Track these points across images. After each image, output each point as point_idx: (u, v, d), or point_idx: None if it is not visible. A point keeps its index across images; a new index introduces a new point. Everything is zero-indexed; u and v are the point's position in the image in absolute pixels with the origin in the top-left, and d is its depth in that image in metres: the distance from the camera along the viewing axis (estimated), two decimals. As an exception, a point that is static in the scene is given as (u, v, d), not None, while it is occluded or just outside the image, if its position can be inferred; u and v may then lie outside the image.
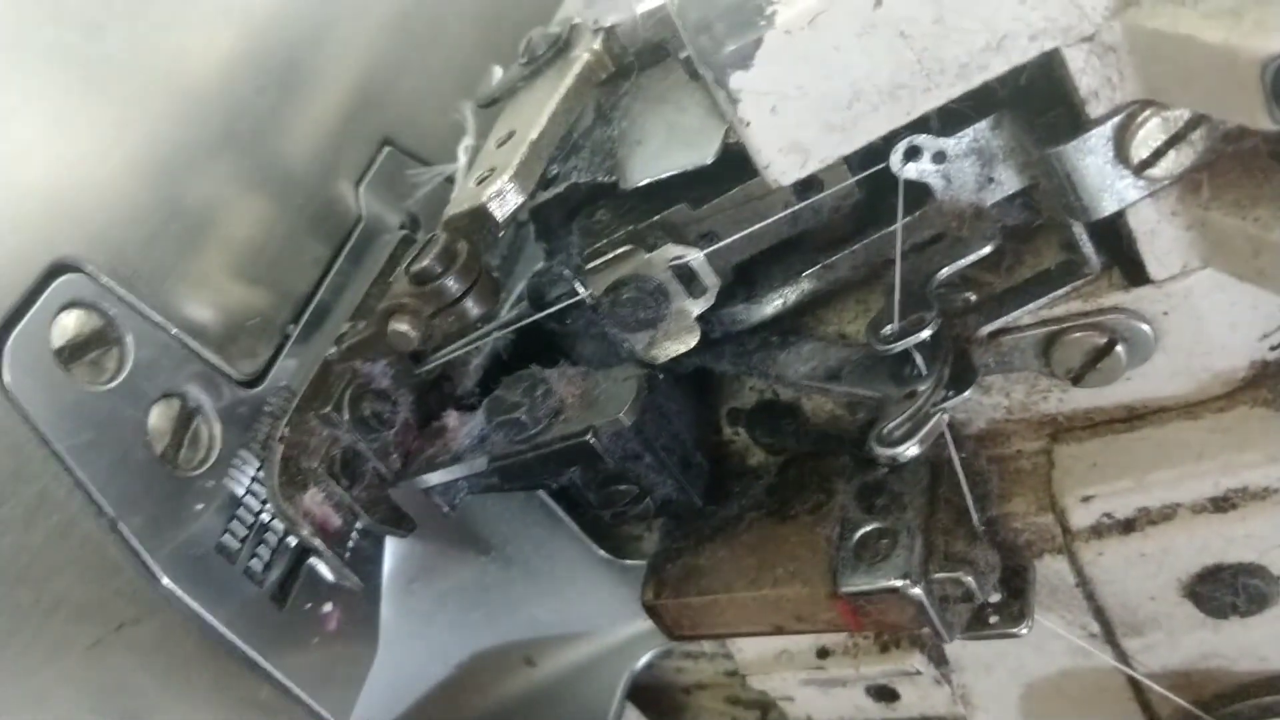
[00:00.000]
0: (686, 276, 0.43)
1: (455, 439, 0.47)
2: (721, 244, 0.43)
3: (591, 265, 0.44)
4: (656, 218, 0.44)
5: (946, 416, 0.40)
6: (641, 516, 0.49)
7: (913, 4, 0.34)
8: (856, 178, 0.41)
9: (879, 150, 0.40)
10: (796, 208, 0.42)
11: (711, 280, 0.43)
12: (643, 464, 0.45)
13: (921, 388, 0.41)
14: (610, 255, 0.44)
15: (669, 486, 0.47)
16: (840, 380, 0.45)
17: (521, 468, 0.44)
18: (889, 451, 0.39)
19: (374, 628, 0.47)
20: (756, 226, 0.42)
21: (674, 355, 0.45)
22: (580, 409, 0.44)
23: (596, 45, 0.46)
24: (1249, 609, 0.45)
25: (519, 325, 0.48)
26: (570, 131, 0.45)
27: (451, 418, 0.48)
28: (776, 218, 0.42)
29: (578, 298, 0.43)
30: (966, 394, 0.41)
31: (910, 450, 0.39)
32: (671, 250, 0.42)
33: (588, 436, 0.43)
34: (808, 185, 0.41)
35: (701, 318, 0.45)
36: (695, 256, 0.42)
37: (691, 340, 0.44)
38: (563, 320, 0.46)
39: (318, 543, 0.40)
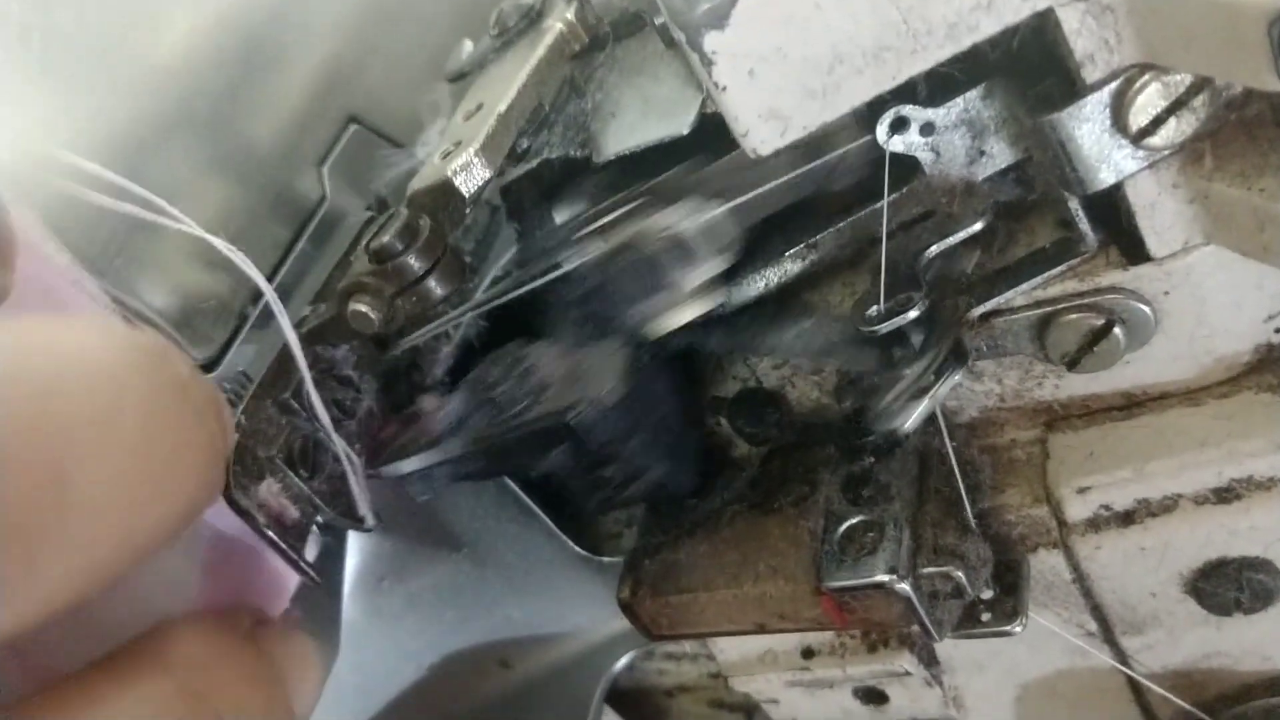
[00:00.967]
0: (682, 246, 0.41)
1: (432, 422, 0.44)
2: (719, 210, 0.40)
3: (580, 234, 0.42)
4: (649, 183, 0.42)
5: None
6: (628, 502, 0.47)
7: (898, -42, 0.32)
8: (855, 144, 0.39)
9: (864, 119, 0.38)
10: (804, 170, 0.40)
11: (707, 249, 0.41)
12: (630, 445, 0.43)
13: (910, 370, 0.39)
14: (600, 223, 0.42)
15: (659, 470, 0.45)
16: (830, 359, 0.43)
17: (503, 450, 0.42)
18: (888, 425, 0.37)
19: (335, 626, 0.45)
20: (753, 193, 0.40)
21: (672, 328, 0.43)
22: (564, 386, 0.42)
23: (569, 15, 0.44)
24: (1253, 605, 0.43)
25: (493, 305, 0.45)
26: (542, 104, 0.43)
27: (428, 400, 0.46)
28: (777, 182, 0.40)
29: (565, 268, 0.41)
30: (958, 376, 0.40)
31: (910, 423, 0.37)
32: (665, 218, 0.40)
33: (570, 415, 0.41)
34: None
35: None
36: (689, 224, 0.40)
37: (690, 312, 0.42)
38: (544, 299, 0.44)
39: (272, 536, 0.38)
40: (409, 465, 0.43)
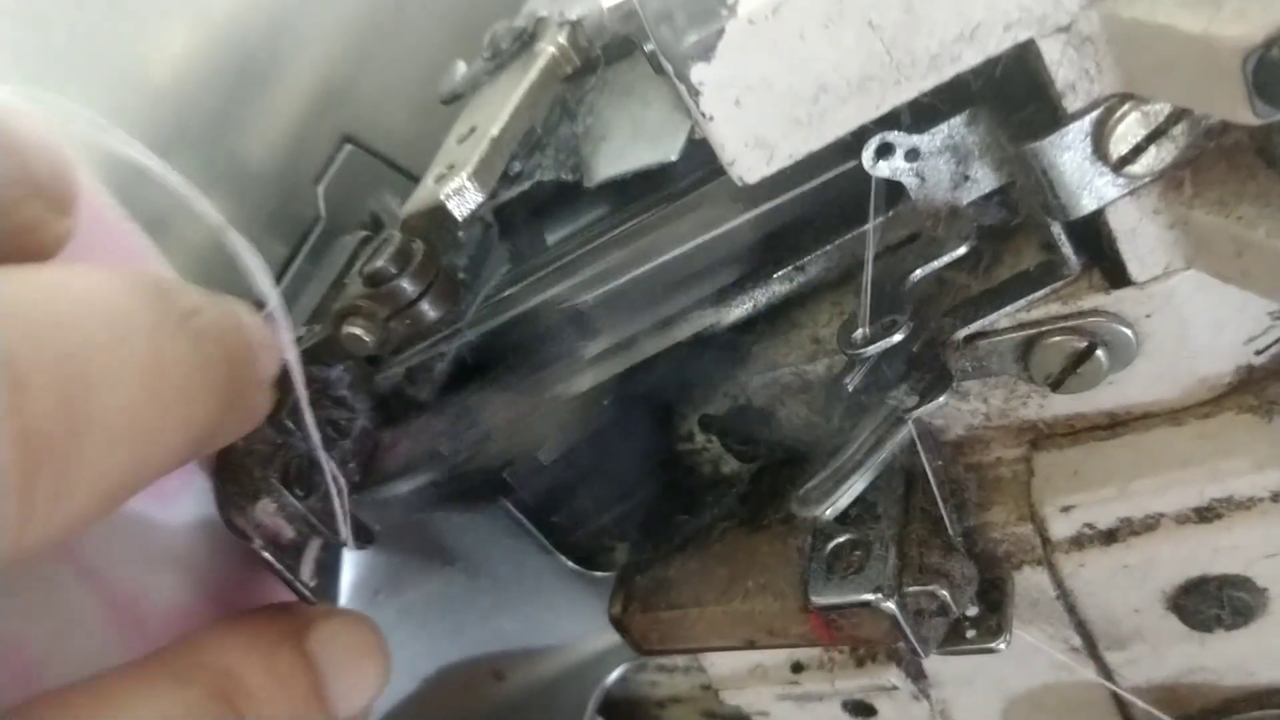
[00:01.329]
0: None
1: (388, 458, 0.45)
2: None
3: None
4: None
5: (911, 425, 0.39)
6: (593, 537, 0.48)
7: (881, -8, 0.33)
8: (827, 175, 0.40)
9: (850, 147, 0.39)
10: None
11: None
12: (576, 495, 0.44)
13: (894, 393, 0.40)
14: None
15: (608, 517, 0.46)
16: (813, 389, 0.44)
17: (444, 498, 0.43)
18: (805, 512, 0.38)
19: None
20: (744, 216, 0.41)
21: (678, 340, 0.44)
22: (504, 439, 0.43)
23: (561, 39, 0.45)
24: (1234, 622, 0.43)
25: (483, 329, 0.46)
26: (534, 128, 0.44)
27: (386, 435, 0.46)
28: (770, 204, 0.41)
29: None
30: (941, 400, 0.40)
31: (827, 512, 0.38)
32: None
33: (505, 471, 0.42)
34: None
35: (667, 321, 0.44)
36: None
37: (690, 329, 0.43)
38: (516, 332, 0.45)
39: (268, 556, 0.38)
40: (411, 481, 0.44)
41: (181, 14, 0.47)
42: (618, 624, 0.47)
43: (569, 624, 0.53)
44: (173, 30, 0.46)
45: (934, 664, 0.49)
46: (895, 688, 0.49)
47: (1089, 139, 0.36)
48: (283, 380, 0.41)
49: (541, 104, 0.44)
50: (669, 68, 0.34)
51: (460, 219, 0.40)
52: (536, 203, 0.46)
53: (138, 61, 0.45)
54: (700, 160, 0.41)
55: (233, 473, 0.39)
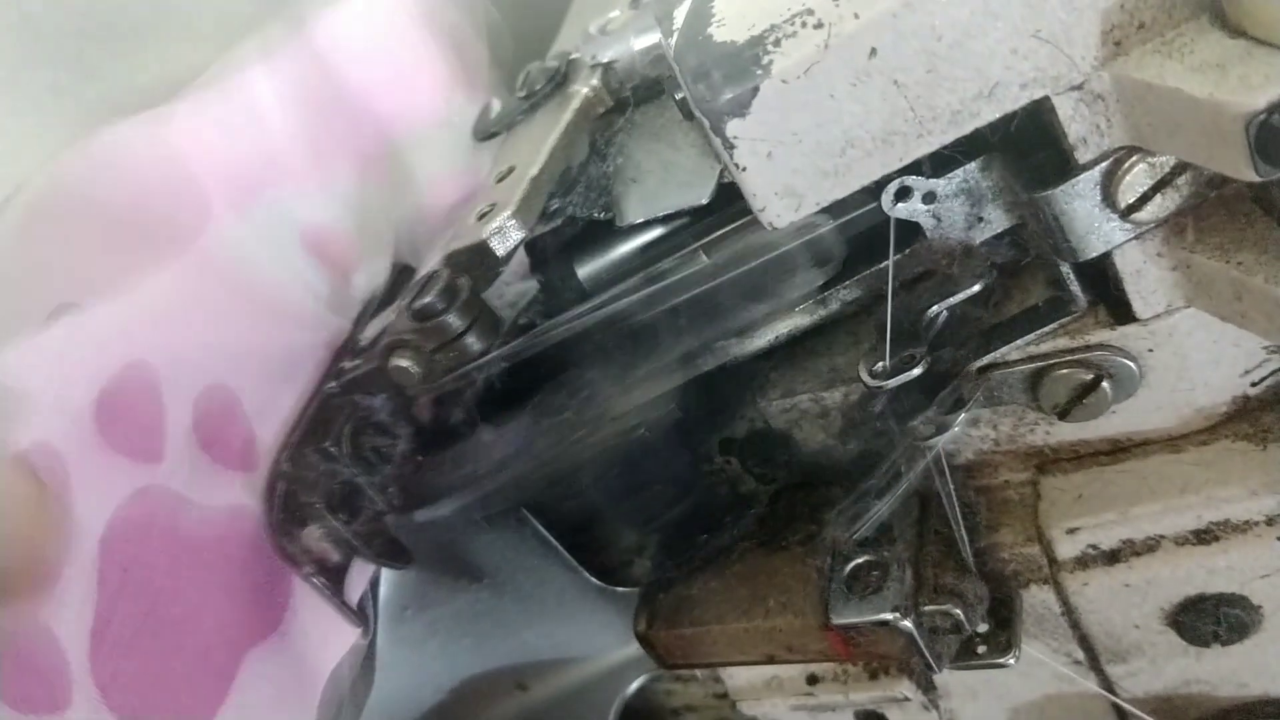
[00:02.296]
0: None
1: (495, 449, 0.47)
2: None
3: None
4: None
5: (932, 453, 0.41)
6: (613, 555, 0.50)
7: (906, 54, 0.35)
8: (847, 217, 0.42)
9: (871, 190, 0.41)
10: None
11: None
12: (601, 516, 0.46)
13: (913, 422, 0.42)
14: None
15: (629, 537, 0.48)
16: (829, 415, 0.46)
17: (479, 521, 0.45)
18: (839, 532, 0.40)
19: (372, 658, 0.48)
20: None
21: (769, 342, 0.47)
22: (543, 463, 0.45)
23: (595, 81, 0.47)
24: (1230, 638, 0.46)
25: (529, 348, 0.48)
26: (570, 167, 0.46)
27: (485, 432, 0.48)
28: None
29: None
30: (955, 429, 0.42)
31: (860, 533, 0.40)
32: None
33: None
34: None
35: (696, 350, 0.46)
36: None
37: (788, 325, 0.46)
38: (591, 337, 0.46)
39: (317, 581, 0.40)
40: (450, 503, 0.46)
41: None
42: (643, 640, 0.49)
43: (590, 637, 0.55)
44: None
45: (943, 676, 0.51)
46: (906, 699, 0.51)
47: (1099, 188, 0.38)
48: (327, 411, 0.43)
49: (576, 144, 0.46)
50: (705, 122, 0.36)
51: (501, 256, 0.42)
52: (566, 237, 0.48)
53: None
54: (727, 200, 0.44)
55: (284, 500, 0.41)
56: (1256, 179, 0.32)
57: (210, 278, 0.46)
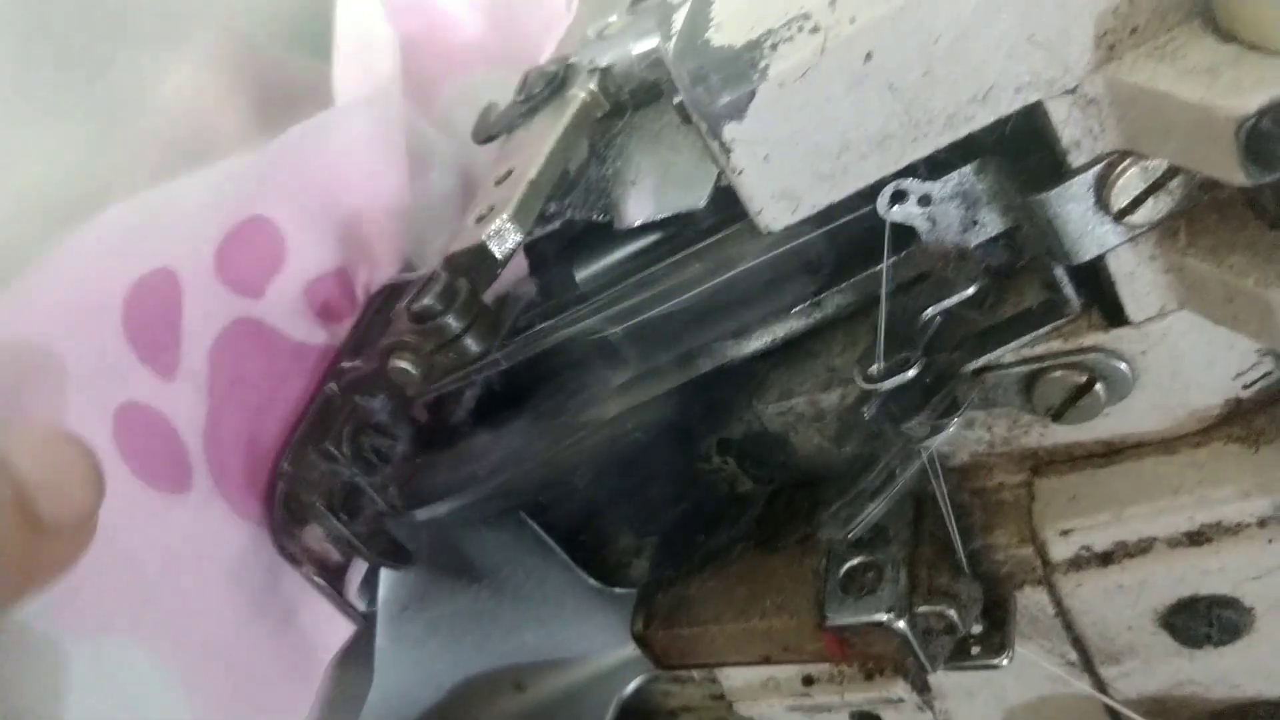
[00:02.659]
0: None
1: (493, 450, 0.48)
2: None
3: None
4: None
5: (925, 455, 0.41)
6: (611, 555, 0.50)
7: (902, 57, 0.35)
8: (842, 220, 0.42)
9: (866, 193, 0.41)
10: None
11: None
12: (599, 516, 0.47)
13: (908, 424, 0.43)
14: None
15: (627, 538, 0.48)
16: (826, 416, 0.46)
17: (479, 520, 0.46)
18: (833, 533, 0.41)
19: (370, 656, 0.48)
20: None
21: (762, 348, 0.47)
22: (541, 464, 0.46)
23: (593, 85, 0.47)
24: (1222, 639, 0.46)
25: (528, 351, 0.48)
26: (568, 170, 0.46)
27: (484, 433, 0.49)
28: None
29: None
30: (950, 430, 0.43)
31: (851, 535, 0.40)
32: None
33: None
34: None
35: (692, 352, 0.46)
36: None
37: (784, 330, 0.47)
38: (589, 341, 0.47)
39: (318, 580, 0.41)
40: (449, 503, 0.46)
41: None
42: (640, 640, 0.49)
43: (588, 638, 0.55)
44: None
45: (938, 677, 0.52)
46: (901, 700, 0.51)
47: (1092, 191, 0.38)
48: (327, 411, 0.43)
49: (574, 148, 0.46)
50: (702, 125, 0.37)
51: (500, 258, 0.42)
52: (565, 239, 0.48)
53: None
54: (725, 202, 0.44)
55: (284, 500, 0.41)
56: (1246, 183, 0.32)
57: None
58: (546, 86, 0.48)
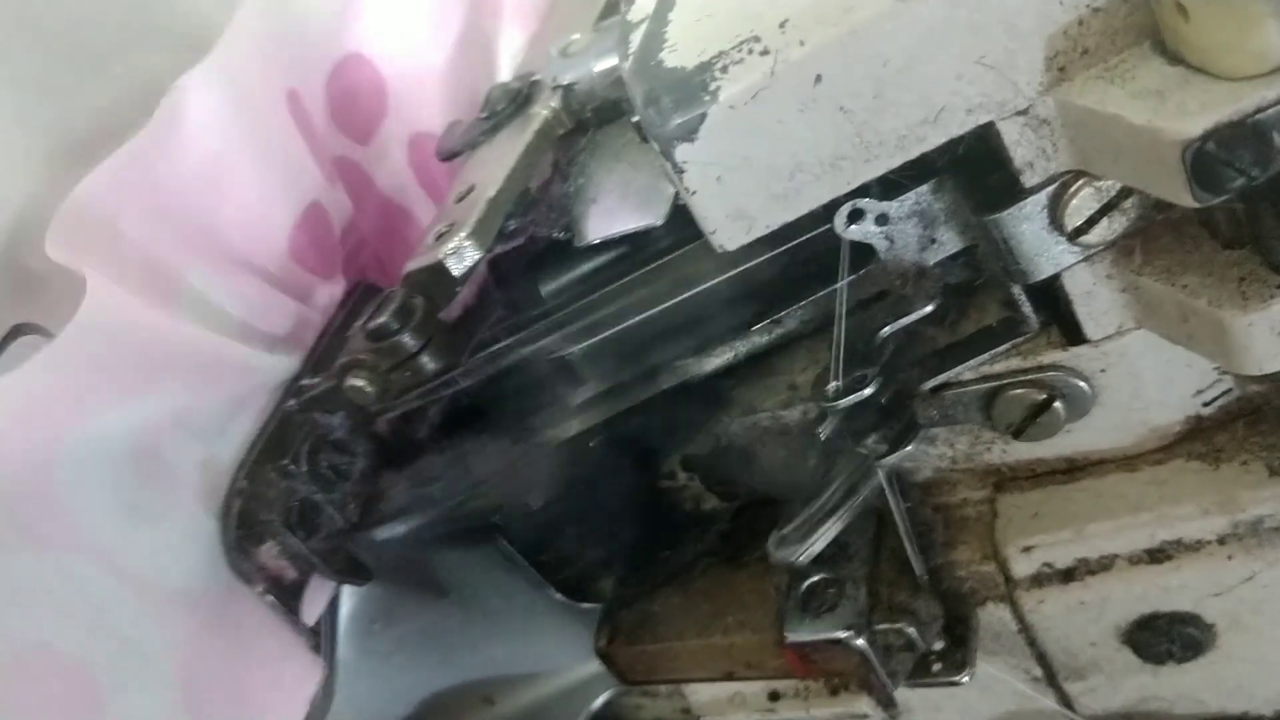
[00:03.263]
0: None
1: (453, 468, 0.48)
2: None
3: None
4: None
5: (882, 473, 0.41)
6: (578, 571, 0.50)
7: (852, 80, 0.35)
8: (800, 239, 0.42)
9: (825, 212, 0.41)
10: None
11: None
12: (563, 535, 0.46)
13: (866, 442, 0.43)
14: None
15: (595, 554, 0.48)
16: (789, 432, 0.46)
17: (438, 539, 0.46)
18: (782, 557, 0.41)
19: (331, 673, 0.48)
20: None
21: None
22: (497, 483, 0.45)
23: (555, 103, 0.47)
24: (1184, 655, 0.46)
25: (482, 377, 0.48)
26: (529, 188, 0.46)
27: (444, 450, 0.49)
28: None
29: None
30: (910, 449, 0.43)
31: (801, 558, 0.40)
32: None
33: (494, 516, 0.44)
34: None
35: (655, 368, 0.46)
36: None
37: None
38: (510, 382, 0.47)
39: (270, 599, 0.41)
40: (406, 523, 0.46)
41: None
42: (604, 656, 0.49)
43: (557, 652, 0.55)
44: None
45: (904, 692, 0.51)
46: (867, 715, 0.51)
47: (1046, 211, 0.38)
48: (286, 428, 0.43)
49: (537, 165, 0.46)
50: (655, 146, 0.37)
51: (458, 275, 0.42)
52: (530, 256, 0.48)
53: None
54: (686, 220, 0.44)
55: (240, 517, 0.41)
56: (1195, 205, 0.32)
57: None
58: (510, 104, 0.48)
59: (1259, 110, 0.30)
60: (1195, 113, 0.31)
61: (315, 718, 0.46)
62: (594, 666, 0.55)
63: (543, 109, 0.47)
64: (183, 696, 0.40)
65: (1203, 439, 0.45)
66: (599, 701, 0.56)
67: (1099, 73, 0.35)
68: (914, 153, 0.37)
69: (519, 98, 0.48)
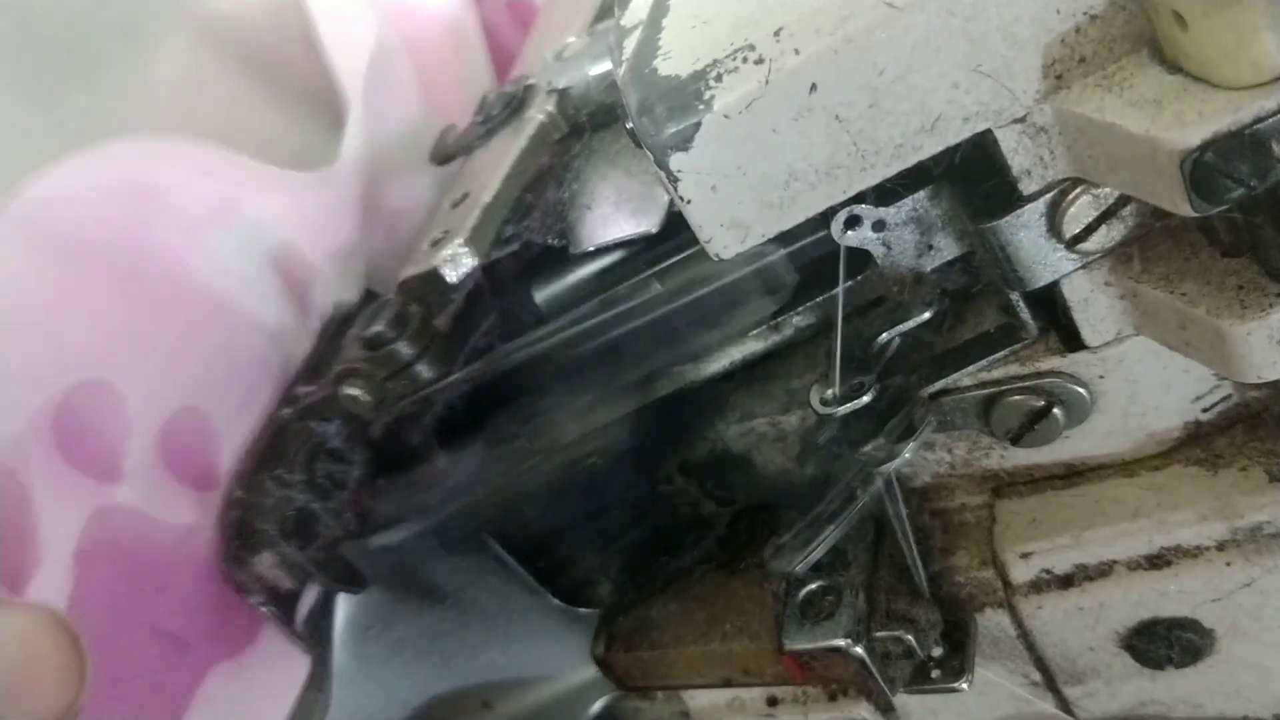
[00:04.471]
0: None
1: (449, 476, 0.48)
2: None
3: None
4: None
5: (881, 481, 0.41)
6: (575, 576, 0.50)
7: (848, 89, 0.35)
8: (798, 245, 0.42)
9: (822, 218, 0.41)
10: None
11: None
12: (560, 540, 0.46)
13: (864, 449, 0.42)
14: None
15: (589, 560, 0.48)
16: (787, 438, 0.46)
17: (434, 547, 0.46)
18: (779, 566, 0.40)
19: (328, 681, 0.48)
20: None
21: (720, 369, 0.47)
22: (493, 492, 0.45)
23: (550, 107, 0.47)
24: (1183, 660, 0.46)
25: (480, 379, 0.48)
26: (524, 194, 0.46)
27: (441, 458, 0.49)
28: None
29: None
30: (908, 455, 0.43)
31: (799, 567, 0.40)
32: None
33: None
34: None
35: (652, 375, 0.46)
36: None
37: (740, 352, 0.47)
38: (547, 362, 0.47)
39: (266, 610, 0.40)
40: (403, 530, 0.46)
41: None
42: (601, 663, 0.49)
43: (554, 658, 0.55)
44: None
45: (902, 698, 0.52)
46: (865, 720, 0.51)
47: (1044, 219, 0.38)
48: (282, 438, 0.43)
49: (531, 170, 0.46)
50: (649, 155, 0.37)
51: (454, 283, 0.42)
52: (525, 261, 0.48)
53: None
54: (684, 223, 0.44)
55: (237, 527, 0.41)
56: (1193, 214, 0.32)
57: (179, 298, 0.46)
58: (505, 108, 0.48)
59: (1257, 120, 0.30)
60: (1193, 123, 0.31)
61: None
62: (591, 672, 0.55)
63: (538, 113, 0.47)
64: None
65: (1202, 445, 0.44)
66: (596, 707, 0.56)
67: (1097, 80, 0.35)
68: (910, 161, 0.37)
69: (514, 102, 0.48)
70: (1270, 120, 0.30)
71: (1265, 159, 0.31)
